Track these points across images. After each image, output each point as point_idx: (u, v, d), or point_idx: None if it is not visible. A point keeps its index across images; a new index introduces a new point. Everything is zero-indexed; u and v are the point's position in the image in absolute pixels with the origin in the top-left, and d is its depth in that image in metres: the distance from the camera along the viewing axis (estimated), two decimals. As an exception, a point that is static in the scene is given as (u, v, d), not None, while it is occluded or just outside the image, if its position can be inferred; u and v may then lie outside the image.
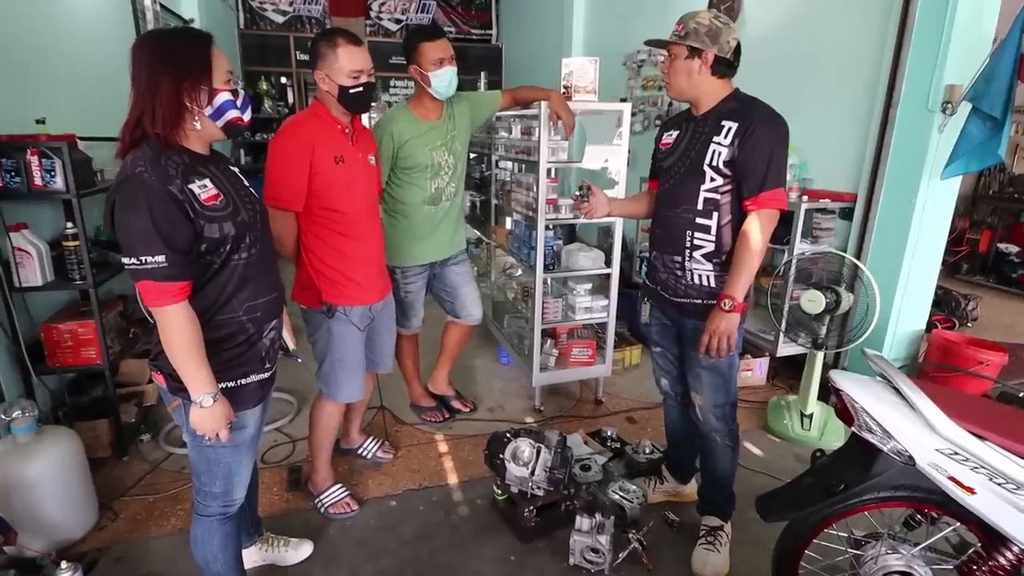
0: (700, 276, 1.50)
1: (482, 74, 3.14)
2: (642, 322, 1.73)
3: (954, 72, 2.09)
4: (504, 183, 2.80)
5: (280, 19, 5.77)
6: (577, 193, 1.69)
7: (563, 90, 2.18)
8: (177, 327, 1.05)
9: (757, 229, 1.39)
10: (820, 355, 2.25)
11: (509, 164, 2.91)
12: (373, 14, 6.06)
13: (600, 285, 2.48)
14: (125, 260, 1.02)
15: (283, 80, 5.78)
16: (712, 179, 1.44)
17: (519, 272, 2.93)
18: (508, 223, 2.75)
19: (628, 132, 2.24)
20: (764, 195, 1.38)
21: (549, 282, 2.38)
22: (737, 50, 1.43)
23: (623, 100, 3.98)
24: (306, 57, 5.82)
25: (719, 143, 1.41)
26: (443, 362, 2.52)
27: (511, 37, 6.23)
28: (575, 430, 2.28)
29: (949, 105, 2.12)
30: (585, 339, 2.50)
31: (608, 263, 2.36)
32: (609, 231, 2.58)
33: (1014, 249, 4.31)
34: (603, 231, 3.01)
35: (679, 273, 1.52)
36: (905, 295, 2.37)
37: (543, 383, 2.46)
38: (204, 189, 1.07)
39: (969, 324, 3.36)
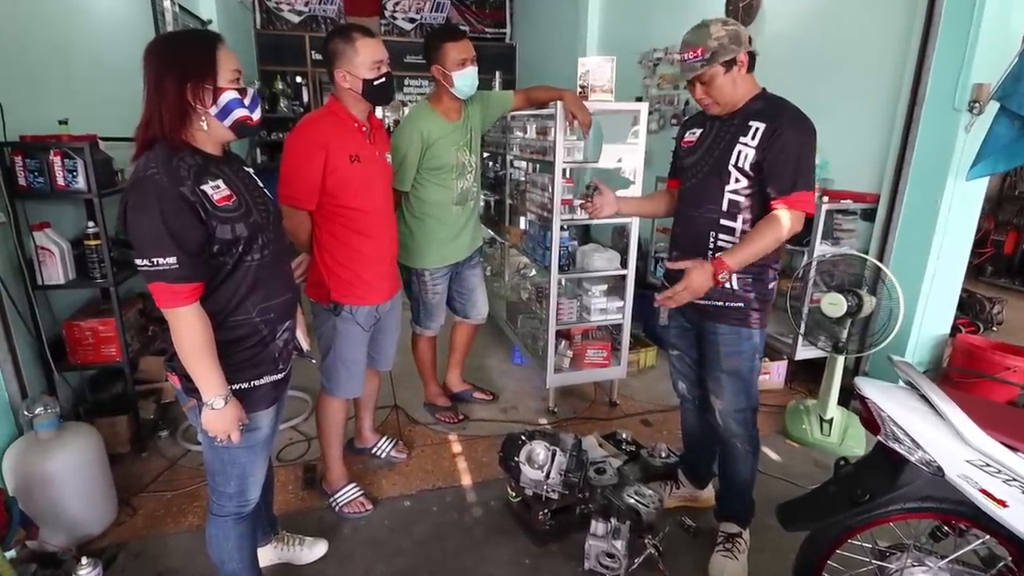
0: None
1: (497, 73, 3.13)
2: (660, 324, 1.71)
3: (982, 70, 2.04)
4: (518, 183, 2.79)
5: (296, 19, 5.81)
6: (584, 191, 1.68)
7: (579, 90, 2.16)
8: (188, 329, 1.06)
9: (786, 220, 1.36)
10: (840, 359, 2.21)
11: (523, 164, 2.89)
12: (387, 13, 6.08)
13: (615, 286, 2.46)
14: (137, 261, 1.02)
15: (298, 79, 5.83)
16: (736, 180, 1.42)
17: (533, 272, 2.92)
18: (522, 223, 2.74)
19: (645, 131, 2.21)
20: (794, 196, 1.35)
21: (563, 283, 2.36)
22: (750, 40, 1.41)
23: (638, 99, 3.97)
24: (321, 56, 5.85)
25: (746, 144, 1.39)
26: (456, 362, 2.53)
27: (525, 35, 6.21)
28: (589, 432, 2.26)
29: (976, 104, 2.06)
30: (600, 340, 2.47)
31: (624, 264, 2.34)
32: (624, 231, 2.55)
33: (1040, 251, 4.19)
34: (618, 231, 2.99)
35: None
36: (929, 298, 2.31)
37: (557, 384, 2.45)
38: (217, 190, 1.07)
39: (994, 328, 3.27)
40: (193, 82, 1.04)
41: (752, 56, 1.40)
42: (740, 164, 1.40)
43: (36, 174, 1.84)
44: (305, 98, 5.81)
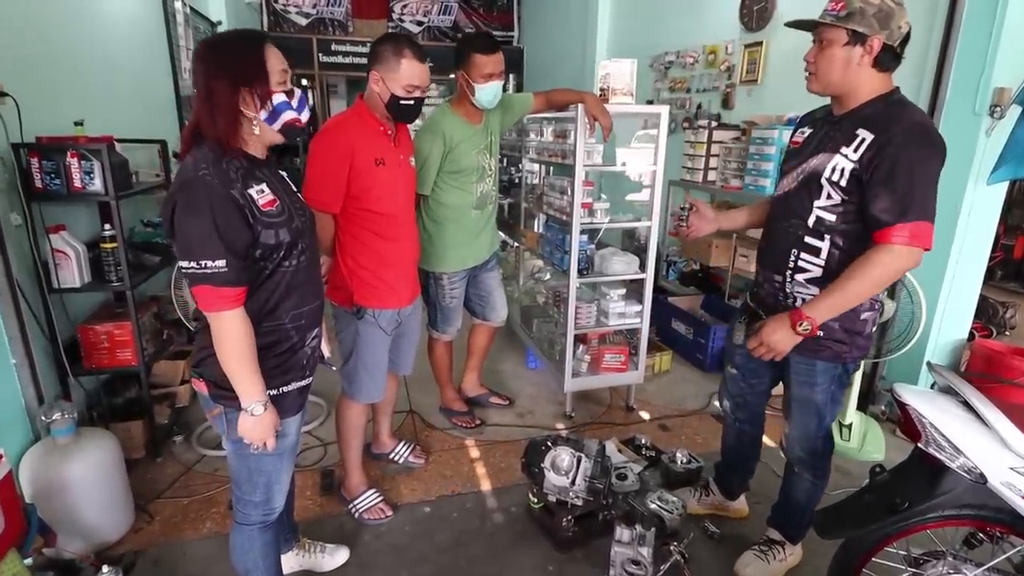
0: (804, 301, 1.31)
1: (510, 76, 3.13)
2: (733, 341, 1.57)
3: (1003, 74, 2.04)
4: (534, 186, 2.78)
5: (303, 21, 5.80)
6: (678, 212, 1.56)
7: (599, 92, 2.15)
8: (234, 333, 1.04)
9: (878, 261, 1.14)
10: (860, 364, 2.19)
11: (537, 167, 2.88)
12: (395, 16, 6.08)
13: (632, 290, 2.44)
14: (183, 264, 1.01)
15: (304, 82, 5.82)
16: (829, 196, 1.23)
17: (548, 276, 2.91)
18: (537, 226, 2.73)
19: (665, 134, 2.20)
20: (901, 227, 1.11)
21: (580, 286, 2.35)
22: (906, 39, 1.18)
23: (649, 102, 3.96)
24: (328, 59, 5.84)
25: (846, 155, 1.19)
26: (473, 365, 2.52)
27: (533, 38, 6.21)
28: (607, 437, 2.24)
29: (997, 108, 2.06)
30: (617, 345, 2.46)
31: (642, 267, 2.33)
32: (633, 234, 2.54)
33: (1050, 255, 4.19)
34: (628, 234, 2.97)
35: (779, 296, 1.36)
36: (948, 303, 2.31)
37: (575, 389, 2.43)
38: (262, 194, 1.06)
39: (1007, 332, 3.27)
40: (245, 87, 1.03)
41: (893, 53, 1.17)
42: (835, 178, 1.20)
43: (53, 176, 1.82)
44: (311, 101, 5.80)
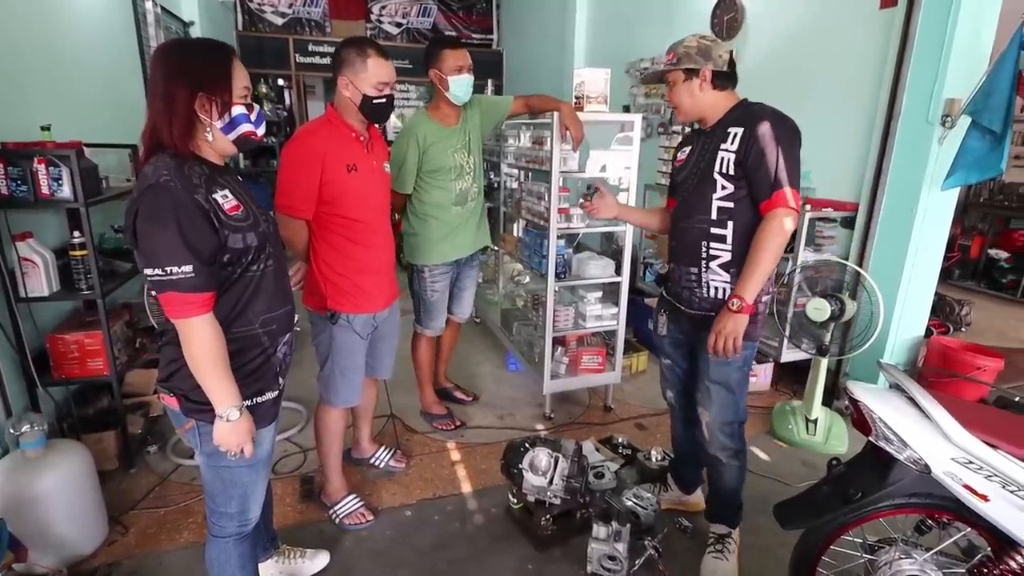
0: (716, 288, 1.50)
1: (489, 81, 3.16)
2: (656, 332, 1.73)
3: (954, 86, 2.15)
4: (513, 190, 2.81)
5: (279, 21, 5.71)
6: (585, 192, 1.76)
7: (574, 100, 2.20)
8: (203, 339, 1.04)
9: (769, 230, 1.37)
10: (824, 361, 2.29)
11: (516, 172, 2.92)
12: (374, 17, 6.03)
13: (608, 292, 2.50)
14: (148, 271, 1.00)
15: (280, 82, 5.74)
16: (723, 187, 1.44)
17: (527, 279, 2.94)
18: (516, 230, 2.77)
19: (639, 141, 2.26)
20: (775, 195, 1.36)
21: (559, 290, 2.40)
22: (732, 62, 1.47)
23: (626, 108, 4.04)
24: (305, 60, 5.77)
25: (727, 149, 1.42)
26: (441, 359, 2.58)
27: (512, 43, 6.24)
28: (586, 437, 2.29)
29: (948, 118, 2.18)
30: (595, 346, 2.51)
31: (618, 271, 2.39)
32: (612, 237, 2.61)
33: (1004, 255, 4.42)
34: (607, 237, 3.04)
35: (695, 286, 1.52)
36: (906, 302, 2.43)
37: (553, 390, 2.47)
38: (226, 199, 1.07)
39: (963, 329, 3.44)
40: (205, 94, 1.03)
41: (724, 75, 1.44)
42: (724, 170, 1.43)
43: (19, 182, 1.78)
44: (288, 101, 5.72)
